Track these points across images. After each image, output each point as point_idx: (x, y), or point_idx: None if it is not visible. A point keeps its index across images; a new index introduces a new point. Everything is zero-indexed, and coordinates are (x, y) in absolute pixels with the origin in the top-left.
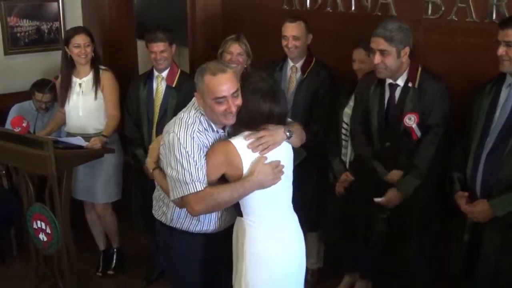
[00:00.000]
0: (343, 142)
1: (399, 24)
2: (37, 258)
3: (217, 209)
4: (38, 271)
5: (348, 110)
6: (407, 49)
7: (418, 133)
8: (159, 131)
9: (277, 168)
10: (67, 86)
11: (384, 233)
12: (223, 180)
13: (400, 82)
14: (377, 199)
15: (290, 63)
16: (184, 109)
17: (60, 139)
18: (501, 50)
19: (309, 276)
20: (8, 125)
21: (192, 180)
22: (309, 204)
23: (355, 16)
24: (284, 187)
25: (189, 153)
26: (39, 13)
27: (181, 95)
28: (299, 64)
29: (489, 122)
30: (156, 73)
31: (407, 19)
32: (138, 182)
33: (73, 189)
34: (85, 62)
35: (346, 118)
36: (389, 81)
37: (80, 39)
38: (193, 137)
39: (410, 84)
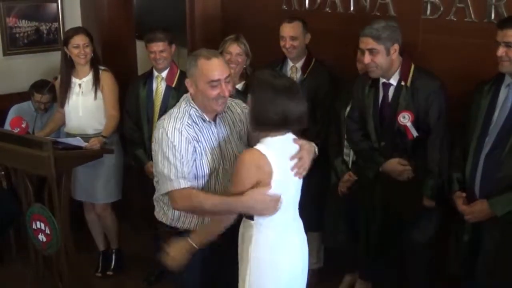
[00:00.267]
0: (345, 142)
1: (385, 23)
2: (36, 258)
3: (198, 214)
4: (37, 271)
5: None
6: (396, 46)
7: (414, 133)
8: None
9: (275, 202)
10: (66, 86)
11: (378, 233)
12: None
13: (393, 81)
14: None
15: (290, 63)
16: (176, 104)
17: (59, 139)
18: (501, 51)
19: (309, 276)
20: (7, 126)
21: (177, 176)
22: (311, 204)
23: (354, 16)
24: (297, 192)
25: (176, 147)
26: (38, 14)
27: (181, 95)
28: (299, 64)
29: (488, 122)
30: (155, 73)
31: (406, 19)
32: (139, 183)
33: (73, 189)
34: (85, 63)
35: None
36: (382, 80)
37: (79, 40)
38: (181, 131)
39: (403, 83)
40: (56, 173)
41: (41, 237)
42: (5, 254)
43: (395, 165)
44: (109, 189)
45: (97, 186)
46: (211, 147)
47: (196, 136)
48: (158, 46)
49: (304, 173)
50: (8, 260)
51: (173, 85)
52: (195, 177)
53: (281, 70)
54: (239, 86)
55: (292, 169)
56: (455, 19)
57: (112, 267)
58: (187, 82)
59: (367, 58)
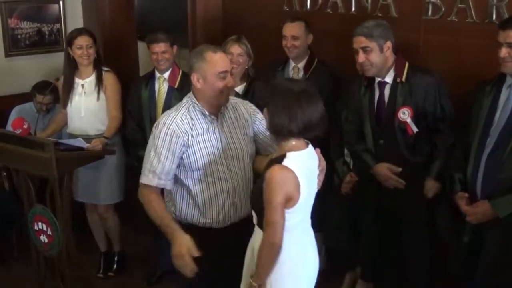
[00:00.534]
0: None
1: (376, 21)
2: (38, 259)
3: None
4: (39, 272)
5: None
6: (389, 44)
7: (414, 128)
8: None
9: (188, 271)
10: (69, 87)
11: (376, 233)
12: None
13: (388, 79)
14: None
15: (292, 64)
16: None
17: (60, 140)
18: (504, 52)
19: None
20: (9, 127)
21: (150, 171)
22: (313, 204)
23: (356, 17)
24: (314, 199)
25: (159, 143)
26: (40, 15)
27: (183, 95)
28: (301, 65)
29: (489, 123)
30: (157, 74)
31: (407, 20)
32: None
33: (75, 191)
34: (88, 63)
35: None
36: (377, 79)
37: (82, 41)
38: (170, 126)
39: (398, 79)
40: (58, 174)
41: (43, 238)
42: (6, 255)
43: (384, 170)
44: (111, 190)
45: (100, 187)
46: (210, 142)
47: (190, 130)
48: (160, 47)
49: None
50: (10, 261)
51: (176, 86)
52: (190, 169)
53: (283, 70)
54: (240, 87)
55: (318, 182)
56: (456, 20)
57: (114, 268)
58: (193, 77)
59: (361, 57)
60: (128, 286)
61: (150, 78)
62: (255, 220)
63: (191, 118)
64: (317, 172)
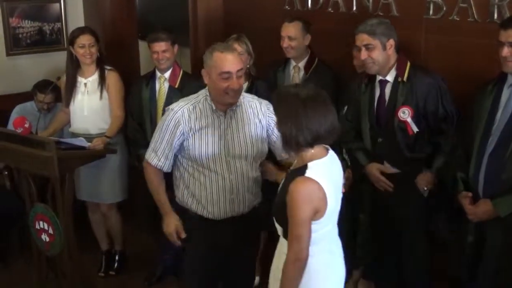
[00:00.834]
0: None
1: (379, 19)
2: (39, 258)
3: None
4: (40, 271)
5: None
6: (391, 42)
7: (414, 128)
8: None
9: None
10: (72, 85)
11: (374, 232)
12: None
13: (390, 78)
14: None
15: (293, 63)
16: None
17: (62, 140)
18: (506, 51)
19: None
20: (10, 126)
21: (153, 150)
22: None
23: (357, 16)
24: (340, 205)
25: (164, 125)
26: (41, 14)
27: (184, 95)
28: (301, 64)
29: (491, 122)
30: (158, 74)
31: (408, 19)
32: (142, 183)
33: (78, 189)
34: (90, 62)
35: None
36: (379, 78)
37: (84, 39)
38: (176, 113)
39: (399, 79)
40: (59, 173)
41: (44, 237)
42: (8, 254)
43: (373, 171)
44: (114, 189)
45: (103, 186)
46: (213, 136)
47: (193, 122)
48: (160, 46)
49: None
50: (11, 260)
51: (176, 86)
52: (189, 158)
53: (283, 70)
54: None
55: (344, 189)
56: (458, 19)
57: (115, 267)
58: (203, 72)
59: (363, 54)
60: (129, 285)
61: (151, 77)
62: (280, 232)
63: (200, 110)
64: (342, 177)
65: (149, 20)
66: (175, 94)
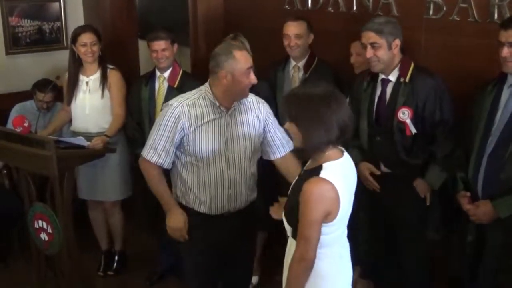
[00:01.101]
0: None
1: (386, 18)
2: (38, 257)
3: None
4: (39, 271)
5: None
6: (397, 41)
7: (413, 129)
8: None
9: (181, 236)
10: (74, 84)
11: (371, 232)
12: None
13: (392, 77)
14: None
15: (293, 63)
16: None
17: (61, 139)
18: (506, 52)
19: None
20: (9, 125)
21: (151, 147)
22: None
23: (357, 16)
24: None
25: (163, 121)
26: (40, 13)
27: None
28: (301, 64)
29: (490, 123)
30: (158, 73)
31: (408, 19)
32: (140, 182)
33: (81, 189)
34: (92, 61)
35: None
36: (381, 76)
37: (86, 38)
38: (176, 108)
39: (402, 79)
40: (58, 172)
41: (43, 236)
42: (7, 254)
43: (363, 170)
44: (117, 187)
45: (106, 184)
46: (214, 132)
47: (194, 117)
48: (160, 45)
49: None
50: (11, 259)
51: (175, 86)
52: (188, 153)
53: (283, 69)
54: None
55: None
56: (458, 19)
57: (114, 267)
58: (221, 74)
59: (369, 52)
60: (129, 285)
61: (150, 77)
62: (289, 233)
63: (200, 107)
64: (355, 180)
65: (149, 20)
66: (174, 94)
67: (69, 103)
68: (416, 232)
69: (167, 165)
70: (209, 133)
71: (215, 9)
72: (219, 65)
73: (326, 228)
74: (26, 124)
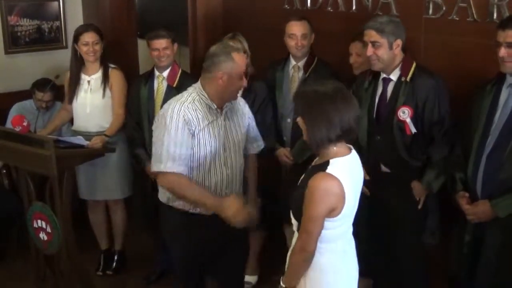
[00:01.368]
0: None
1: (389, 18)
2: (37, 257)
3: (178, 197)
4: (38, 270)
5: None
6: (399, 41)
7: (413, 129)
8: None
9: (248, 217)
10: (75, 83)
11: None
12: None
13: (394, 76)
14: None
15: (292, 62)
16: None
17: (60, 138)
18: (503, 52)
19: None
20: (8, 124)
21: (168, 158)
22: None
23: (356, 15)
24: (357, 207)
25: (172, 129)
26: (39, 12)
27: None
28: (301, 63)
29: (489, 123)
30: (157, 72)
31: (408, 19)
32: (139, 182)
33: (82, 189)
34: (94, 60)
35: None
36: (383, 75)
37: (88, 37)
38: (180, 113)
39: (403, 78)
40: (57, 172)
41: (42, 235)
42: (6, 253)
43: None
44: (119, 185)
45: (108, 183)
46: (214, 134)
47: (198, 120)
48: (161, 43)
49: None
50: (10, 258)
51: (174, 85)
52: (192, 158)
53: (282, 69)
54: None
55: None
56: (457, 19)
57: (113, 267)
58: (218, 74)
59: (369, 51)
60: (128, 284)
61: (149, 76)
62: (295, 227)
63: (199, 109)
64: (362, 178)
65: (148, 19)
66: (173, 94)
67: (70, 102)
68: (413, 233)
69: (185, 172)
70: (210, 135)
71: (214, 8)
72: (216, 65)
73: (330, 223)
74: (25, 124)
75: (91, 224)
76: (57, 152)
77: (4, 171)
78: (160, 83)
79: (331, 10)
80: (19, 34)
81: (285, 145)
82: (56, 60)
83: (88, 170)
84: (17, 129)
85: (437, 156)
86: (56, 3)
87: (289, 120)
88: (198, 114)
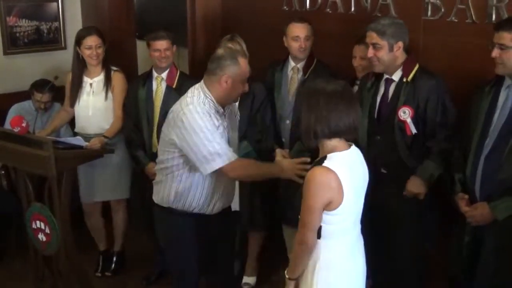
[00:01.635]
0: None
1: (392, 20)
2: (36, 258)
3: (250, 178)
4: (37, 271)
5: None
6: (400, 44)
7: (413, 129)
8: (160, 133)
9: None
10: (77, 85)
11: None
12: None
13: (396, 77)
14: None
15: (292, 64)
16: (187, 96)
17: (59, 139)
18: (495, 53)
19: None
20: (7, 125)
21: (224, 151)
22: None
23: (355, 17)
24: (362, 205)
25: (209, 128)
26: (38, 13)
27: (181, 96)
28: (301, 65)
29: (488, 124)
30: (155, 74)
31: (406, 20)
32: (138, 183)
33: (83, 192)
34: (97, 63)
35: None
36: (385, 76)
37: (91, 41)
38: (203, 110)
39: (404, 79)
40: (56, 173)
41: (41, 236)
42: (5, 254)
43: None
44: (119, 186)
45: (109, 184)
46: (222, 136)
47: (215, 118)
48: (163, 44)
49: None
50: (8, 259)
51: (174, 86)
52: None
53: (281, 70)
54: None
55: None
56: (456, 20)
57: (112, 268)
58: (222, 77)
59: (370, 52)
60: (127, 284)
61: (147, 77)
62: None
63: (211, 112)
64: (366, 176)
65: (147, 20)
66: (173, 95)
67: (72, 105)
68: (412, 233)
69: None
70: (221, 137)
71: (214, 9)
72: (222, 69)
73: (329, 217)
74: (24, 124)
75: (89, 229)
76: (56, 153)
77: (3, 172)
78: (159, 84)
79: (330, 12)
80: (18, 35)
81: (284, 146)
82: (55, 61)
83: (88, 172)
84: (16, 129)
85: (437, 148)
86: (55, 4)
87: (288, 121)
88: (210, 115)
